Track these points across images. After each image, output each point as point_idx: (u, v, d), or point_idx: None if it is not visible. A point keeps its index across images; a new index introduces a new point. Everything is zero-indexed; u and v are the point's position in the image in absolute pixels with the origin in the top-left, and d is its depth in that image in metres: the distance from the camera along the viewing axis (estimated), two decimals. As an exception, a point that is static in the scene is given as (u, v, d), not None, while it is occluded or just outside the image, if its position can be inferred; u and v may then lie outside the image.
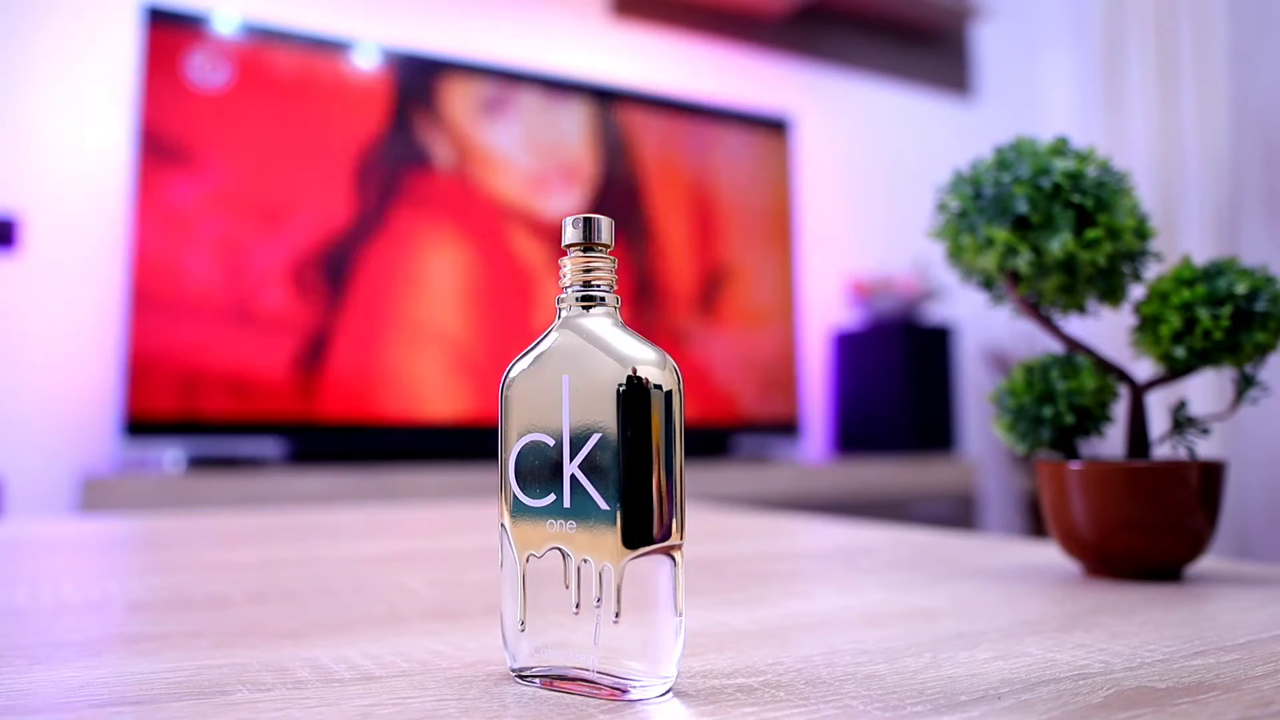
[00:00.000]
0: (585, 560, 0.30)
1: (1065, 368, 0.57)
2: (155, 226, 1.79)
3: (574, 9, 2.46)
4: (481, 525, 0.92)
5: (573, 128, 2.25)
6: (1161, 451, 0.57)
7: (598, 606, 0.30)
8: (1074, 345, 0.56)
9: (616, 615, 0.30)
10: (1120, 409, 0.58)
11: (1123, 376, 0.56)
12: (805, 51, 2.79)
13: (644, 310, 2.29)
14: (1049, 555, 0.65)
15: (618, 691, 0.30)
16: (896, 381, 2.47)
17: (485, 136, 2.13)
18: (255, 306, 1.87)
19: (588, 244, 0.32)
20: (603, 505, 0.30)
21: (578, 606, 0.30)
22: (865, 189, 2.85)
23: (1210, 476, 0.53)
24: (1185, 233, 2.50)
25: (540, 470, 0.31)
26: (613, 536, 0.30)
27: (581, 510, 0.30)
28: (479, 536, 0.82)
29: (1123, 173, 0.54)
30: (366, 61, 2.02)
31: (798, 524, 0.93)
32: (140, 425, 1.75)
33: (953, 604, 0.47)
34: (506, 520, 0.32)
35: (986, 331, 2.86)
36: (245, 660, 0.36)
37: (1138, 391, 0.56)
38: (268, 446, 1.94)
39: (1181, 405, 0.56)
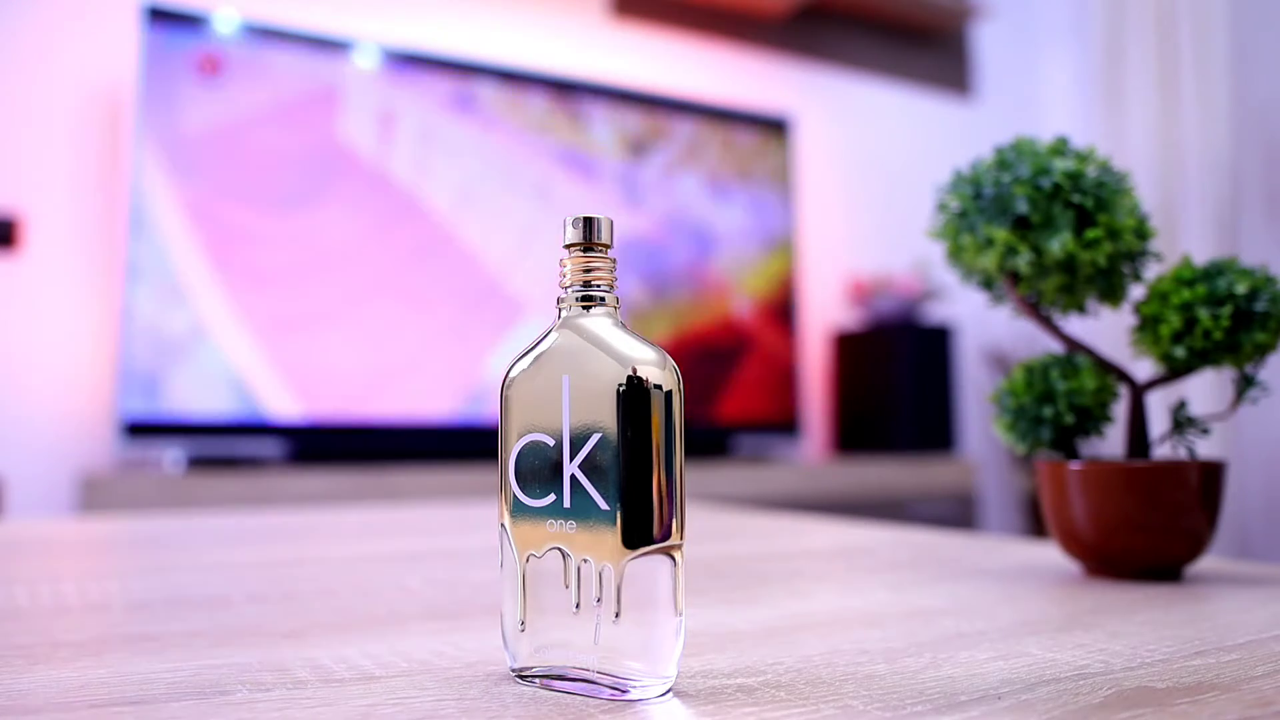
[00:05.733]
0: (585, 560, 0.30)
1: (1065, 368, 0.57)
2: (155, 226, 1.79)
3: (574, 9, 2.45)
4: (481, 525, 0.92)
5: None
6: (1161, 451, 0.57)
7: (598, 606, 0.30)
8: (1074, 345, 0.56)
9: (616, 615, 0.30)
10: (1120, 409, 0.57)
11: (1123, 376, 0.56)
12: (805, 51, 2.79)
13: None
14: (1049, 555, 0.65)
15: (618, 691, 0.30)
16: (896, 381, 2.47)
17: (483, 136, 2.14)
18: (256, 306, 1.87)
19: (588, 244, 0.32)
20: (603, 505, 0.30)
21: (578, 606, 0.30)
22: (865, 189, 2.85)
23: (1210, 476, 0.53)
24: (1185, 233, 2.50)
25: (540, 470, 0.31)
26: (613, 536, 0.30)
27: (581, 510, 0.30)
28: (479, 536, 0.82)
29: (1123, 173, 0.54)
30: (365, 61, 2.02)
31: (798, 524, 0.93)
32: (140, 425, 1.75)
33: (953, 604, 0.47)
34: (506, 520, 0.32)
35: (986, 331, 2.86)
36: (245, 660, 0.36)
37: (1138, 391, 0.56)
38: (268, 446, 1.94)
39: (1181, 405, 0.56)
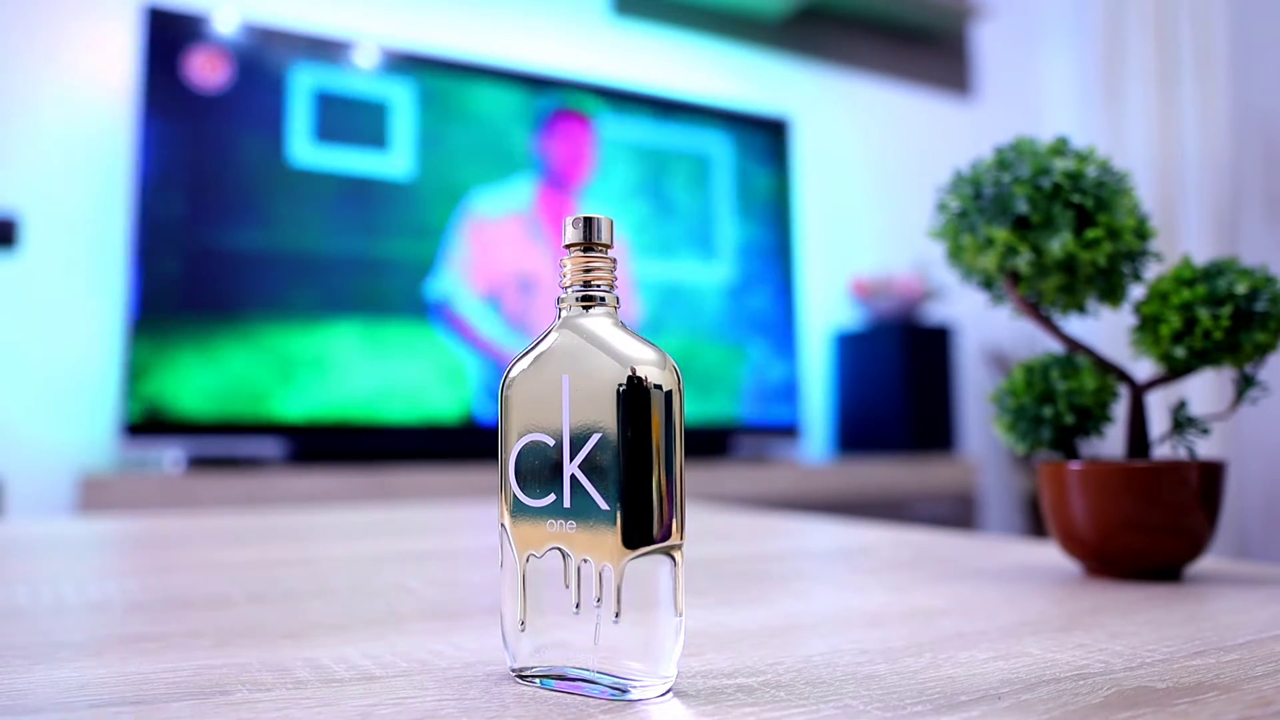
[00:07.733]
0: (585, 560, 0.30)
1: (1065, 368, 0.57)
2: (155, 226, 1.79)
3: (574, 9, 2.46)
4: (481, 525, 0.92)
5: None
6: (1161, 451, 0.57)
7: (598, 606, 0.30)
8: (1074, 345, 0.56)
9: (616, 615, 0.30)
10: (1120, 409, 0.58)
11: (1123, 376, 0.56)
12: (805, 51, 2.79)
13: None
14: (1049, 555, 0.65)
15: (618, 691, 0.30)
16: (896, 381, 2.47)
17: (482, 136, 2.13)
18: (255, 306, 1.87)
19: (588, 244, 0.32)
20: (603, 505, 0.30)
21: (578, 606, 0.30)
22: (865, 190, 2.85)
23: (1210, 476, 0.53)
24: (1185, 233, 2.50)
25: (540, 470, 0.31)
26: (613, 536, 0.30)
27: (581, 510, 0.30)
28: (479, 536, 0.82)
29: (1123, 173, 0.54)
30: (366, 61, 2.02)
31: (798, 524, 0.93)
32: (140, 425, 1.75)
33: (953, 604, 0.47)
34: (506, 520, 0.32)
35: (986, 331, 2.86)
36: (245, 660, 0.36)
37: (1138, 391, 0.56)
38: (268, 446, 1.94)
39: (1181, 405, 0.56)
